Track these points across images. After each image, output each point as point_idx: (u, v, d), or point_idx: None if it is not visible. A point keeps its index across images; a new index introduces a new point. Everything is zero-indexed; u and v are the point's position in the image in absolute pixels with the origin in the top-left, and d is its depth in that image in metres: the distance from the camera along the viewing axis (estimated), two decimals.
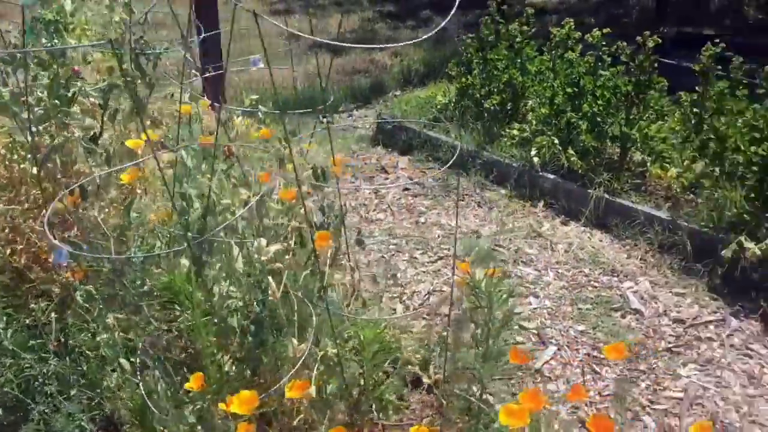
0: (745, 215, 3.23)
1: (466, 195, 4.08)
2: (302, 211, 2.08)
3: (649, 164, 3.85)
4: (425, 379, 2.58)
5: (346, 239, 2.53)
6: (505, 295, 1.91)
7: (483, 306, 1.91)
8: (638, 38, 3.81)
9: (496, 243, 3.63)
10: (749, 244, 3.12)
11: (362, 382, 2.14)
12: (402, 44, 5.87)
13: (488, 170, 4.21)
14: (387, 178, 4.30)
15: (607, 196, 3.74)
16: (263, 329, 1.93)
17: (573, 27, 4.42)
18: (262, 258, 1.97)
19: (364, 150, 4.65)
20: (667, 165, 3.81)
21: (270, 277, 1.95)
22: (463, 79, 4.55)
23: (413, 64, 6.29)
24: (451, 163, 3.94)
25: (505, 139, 4.21)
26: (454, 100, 4.61)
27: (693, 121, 3.83)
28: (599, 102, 3.83)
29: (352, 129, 5.11)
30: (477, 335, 1.99)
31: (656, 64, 3.83)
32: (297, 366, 1.85)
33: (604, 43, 3.97)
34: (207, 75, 3.15)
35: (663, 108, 3.87)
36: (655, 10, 8.02)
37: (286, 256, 2.08)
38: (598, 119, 3.85)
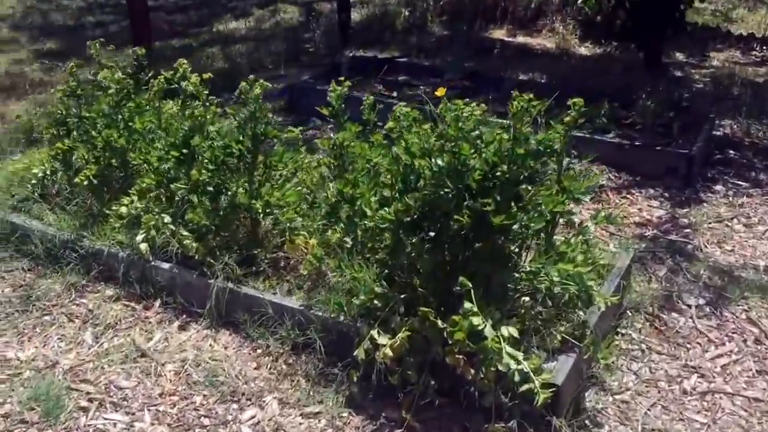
0: (375, 300, 2.59)
1: (55, 306, 3.08)
2: None
3: (287, 236, 3.13)
4: None
5: None
6: None
7: None
8: (242, 84, 3.06)
9: (80, 378, 2.68)
10: (382, 339, 2.49)
11: None
12: None
13: (90, 264, 3.25)
14: None
15: (231, 285, 2.95)
16: None
17: (188, 68, 3.58)
18: None
19: None
20: (304, 235, 3.12)
21: None
22: (60, 144, 3.53)
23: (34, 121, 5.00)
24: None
25: (113, 220, 3.26)
26: (50, 171, 3.58)
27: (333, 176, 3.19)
28: (210, 167, 3.03)
29: None
30: None
31: (271, 114, 3.13)
32: None
33: (207, 91, 3.19)
34: None
35: (287, 164, 3.17)
36: (340, 34, 7.52)
37: None
38: (210, 188, 3.06)
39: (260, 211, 2.99)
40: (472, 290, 2.37)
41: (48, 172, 3.56)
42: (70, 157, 3.57)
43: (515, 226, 2.53)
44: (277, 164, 3.16)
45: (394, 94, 5.86)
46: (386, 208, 2.67)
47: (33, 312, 3.02)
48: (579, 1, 8.13)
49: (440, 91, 2.89)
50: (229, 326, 2.95)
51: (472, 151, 2.44)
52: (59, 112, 3.59)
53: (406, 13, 8.64)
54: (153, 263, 3.10)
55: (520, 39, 8.45)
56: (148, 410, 2.53)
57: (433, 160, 2.45)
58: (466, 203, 2.45)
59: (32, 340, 2.87)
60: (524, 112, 2.38)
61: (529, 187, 2.46)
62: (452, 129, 2.37)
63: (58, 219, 3.40)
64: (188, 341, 2.87)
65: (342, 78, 3.25)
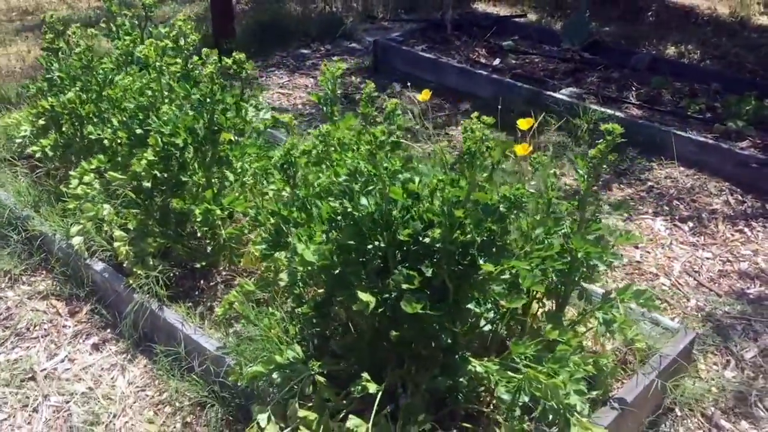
0: (275, 373, 1.93)
1: None
2: None
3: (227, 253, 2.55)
4: None
5: None
6: None
7: None
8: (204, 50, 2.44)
9: None
10: (270, 430, 1.86)
11: None
12: None
13: (30, 249, 2.84)
14: None
15: (154, 305, 2.42)
16: None
17: (190, 26, 3.00)
18: None
19: None
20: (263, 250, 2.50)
21: None
22: (42, 103, 3.12)
23: None
24: None
25: (69, 200, 2.81)
26: (31, 132, 3.18)
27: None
28: (149, 158, 2.47)
29: None
30: None
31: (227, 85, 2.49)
32: None
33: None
34: None
35: (249, 162, 2.54)
36: None
37: None
38: (147, 184, 2.51)
39: (198, 220, 2.41)
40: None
41: (28, 134, 3.18)
42: (55, 119, 3.15)
43: (471, 305, 1.77)
44: (238, 160, 2.54)
45: (495, 62, 4.98)
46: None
47: None
48: None
49: (424, 95, 2.11)
50: (147, 354, 2.44)
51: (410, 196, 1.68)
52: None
53: None
54: (87, 261, 2.63)
55: None
56: None
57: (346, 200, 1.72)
58: (398, 267, 1.71)
59: None
60: (480, 147, 1.56)
61: (483, 260, 1.66)
62: (366, 163, 1.61)
63: (22, 190, 3.01)
64: (92, 367, 2.40)
65: (336, 59, 2.53)
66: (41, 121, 3.20)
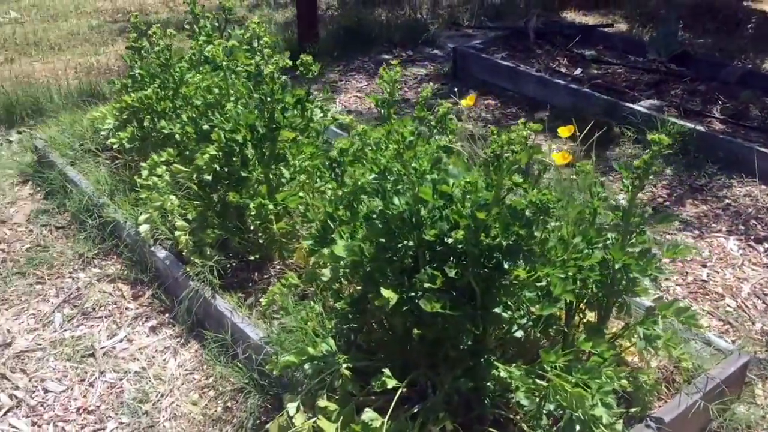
0: (306, 365, 1.99)
1: (51, 276, 2.87)
2: None
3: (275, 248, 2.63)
4: None
5: None
6: None
7: None
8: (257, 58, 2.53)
9: (20, 367, 2.45)
10: (298, 419, 1.92)
11: None
12: None
13: (103, 234, 3.02)
14: None
15: (207, 293, 2.52)
16: None
17: (263, 28, 3.13)
18: None
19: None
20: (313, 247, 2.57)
21: None
22: (126, 98, 3.31)
23: None
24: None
25: (141, 190, 2.98)
26: (114, 126, 3.38)
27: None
28: (212, 152, 2.58)
29: None
30: None
31: (288, 84, 2.58)
32: None
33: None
34: None
35: (301, 160, 2.60)
36: None
37: None
38: (207, 177, 2.62)
39: (252, 213, 2.50)
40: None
41: (112, 127, 3.38)
42: (136, 113, 3.33)
43: (498, 309, 1.76)
44: (294, 157, 2.62)
45: (576, 72, 4.89)
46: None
47: (28, 278, 2.87)
48: None
49: (469, 100, 2.11)
50: (199, 339, 2.55)
51: (440, 197, 1.70)
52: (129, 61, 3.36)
53: None
54: (152, 248, 2.78)
55: None
56: (54, 426, 2.23)
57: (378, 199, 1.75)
58: (426, 267, 1.73)
59: (9, 310, 2.71)
60: (506, 149, 1.56)
61: (508, 264, 1.65)
62: (391, 160, 1.64)
63: (101, 179, 3.21)
64: (147, 348, 2.52)
65: (394, 62, 2.57)
66: (124, 116, 3.39)
